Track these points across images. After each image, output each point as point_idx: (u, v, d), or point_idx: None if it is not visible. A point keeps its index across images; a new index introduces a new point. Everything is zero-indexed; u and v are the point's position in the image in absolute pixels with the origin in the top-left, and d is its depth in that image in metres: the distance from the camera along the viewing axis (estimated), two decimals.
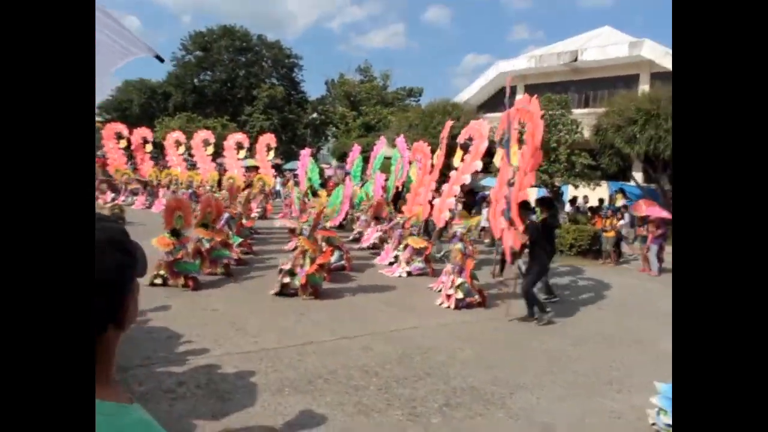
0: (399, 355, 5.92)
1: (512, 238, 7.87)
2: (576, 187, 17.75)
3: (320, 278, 8.28)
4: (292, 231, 11.79)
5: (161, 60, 3.84)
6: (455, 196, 10.24)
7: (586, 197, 18.72)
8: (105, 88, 3.34)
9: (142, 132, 21.61)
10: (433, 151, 11.82)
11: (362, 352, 5.93)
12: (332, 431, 4.09)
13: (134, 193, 19.60)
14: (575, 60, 26.49)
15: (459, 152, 10.22)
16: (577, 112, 19.94)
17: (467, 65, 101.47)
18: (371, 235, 13.22)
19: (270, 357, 5.54)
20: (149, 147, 21.48)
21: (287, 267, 8.09)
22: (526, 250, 8.17)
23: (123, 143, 20.89)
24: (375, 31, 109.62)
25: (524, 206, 8.46)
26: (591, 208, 17.46)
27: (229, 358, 5.41)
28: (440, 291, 8.67)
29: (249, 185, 17.65)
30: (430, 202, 11.44)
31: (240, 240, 10.94)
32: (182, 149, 20.56)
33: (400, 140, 14.76)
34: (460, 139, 10.35)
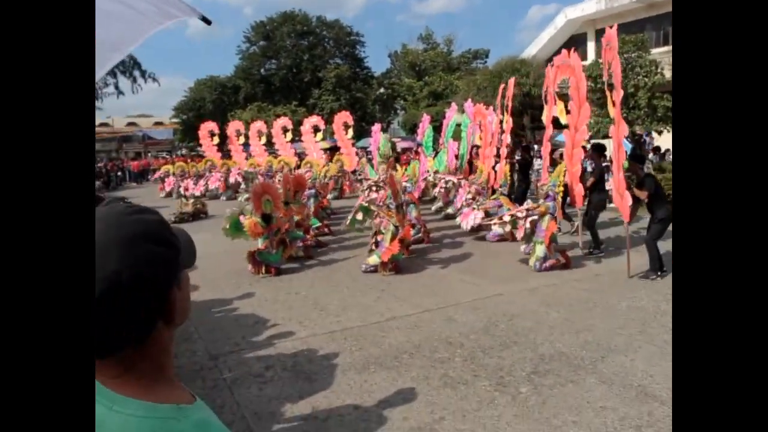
0: (483, 324, 5.81)
1: (628, 198, 7.42)
2: (660, 133, 16.66)
3: (400, 254, 8.26)
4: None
5: (208, 22, 3.56)
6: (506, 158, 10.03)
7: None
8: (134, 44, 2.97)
9: (236, 125, 23.38)
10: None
11: (446, 323, 5.87)
12: (419, 406, 4.07)
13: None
14: None
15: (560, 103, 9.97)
16: (656, 51, 18.61)
17: (533, 18, 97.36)
18: (462, 196, 12.82)
19: (354, 335, 5.59)
20: (242, 138, 22.69)
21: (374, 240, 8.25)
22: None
23: (216, 140, 22.61)
24: None
25: (636, 158, 8.11)
26: None
27: (313, 339, 5.51)
28: (523, 249, 8.65)
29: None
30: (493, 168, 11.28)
31: (318, 224, 11.07)
32: (264, 139, 21.74)
33: (468, 105, 14.39)
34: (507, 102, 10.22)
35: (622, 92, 7.47)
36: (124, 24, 2.84)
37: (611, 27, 7.79)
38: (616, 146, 7.56)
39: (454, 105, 17.36)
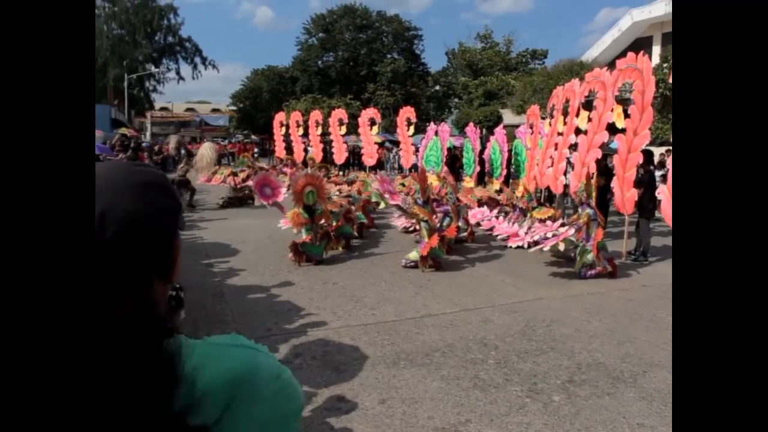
0: (520, 327, 5.64)
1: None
2: None
3: (441, 250, 8.14)
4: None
5: None
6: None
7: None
8: None
9: (295, 116, 23.17)
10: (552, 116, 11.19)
11: (482, 324, 5.73)
12: (446, 406, 3.96)
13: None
14: None
15: (583, 113, 9.53)
16: None
17: (601, 21, 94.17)
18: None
19: (387, 329, 5.52)
20: (301, 130, 22.76)
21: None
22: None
23: (283, 130, 23.04)
24: None
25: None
26: None
27: (346, 330, 5.46)
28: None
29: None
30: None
31: (364, 219, 10.91)
32: (319, 129, 21.72)
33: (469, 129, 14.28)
34: (581, 97, 9.62)
35: None
36: None
37: (641, 53, 7.58)
38: (624, 152, 7.27)
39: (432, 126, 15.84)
